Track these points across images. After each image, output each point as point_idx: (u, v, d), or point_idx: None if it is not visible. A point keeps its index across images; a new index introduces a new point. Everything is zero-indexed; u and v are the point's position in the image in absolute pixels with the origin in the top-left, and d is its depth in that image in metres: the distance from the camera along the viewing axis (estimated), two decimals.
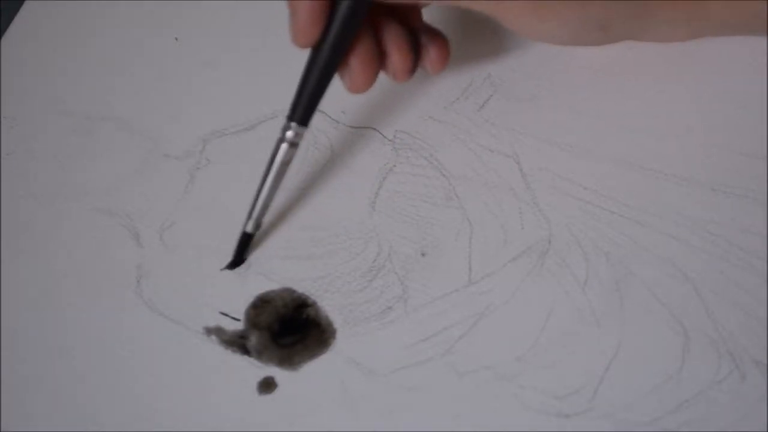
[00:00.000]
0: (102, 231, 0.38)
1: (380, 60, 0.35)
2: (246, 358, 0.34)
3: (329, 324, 0.35)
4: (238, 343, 0.34)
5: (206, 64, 0.43)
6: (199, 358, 0.34)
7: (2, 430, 0.33)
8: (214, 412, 0.33)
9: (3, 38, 0.46)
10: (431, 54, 0.35)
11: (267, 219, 0.37)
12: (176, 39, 0.45)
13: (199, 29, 0.45)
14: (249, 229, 0.35)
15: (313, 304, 0.35)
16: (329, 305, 0.35)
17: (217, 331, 0.35)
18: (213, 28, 0.45)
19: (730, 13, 0.35)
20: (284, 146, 0.34)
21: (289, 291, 0.36)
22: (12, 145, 0.42)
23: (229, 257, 0.37)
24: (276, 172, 0.35)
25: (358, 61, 0.34)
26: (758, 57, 0.38)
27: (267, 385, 0.33)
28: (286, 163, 0.35)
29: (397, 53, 0.34)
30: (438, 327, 0.34)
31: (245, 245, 0.36)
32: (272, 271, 0.36)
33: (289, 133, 0.35)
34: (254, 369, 0.34)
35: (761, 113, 0.37)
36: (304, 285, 0.36)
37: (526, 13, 0.32)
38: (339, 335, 0.34)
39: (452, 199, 0.37)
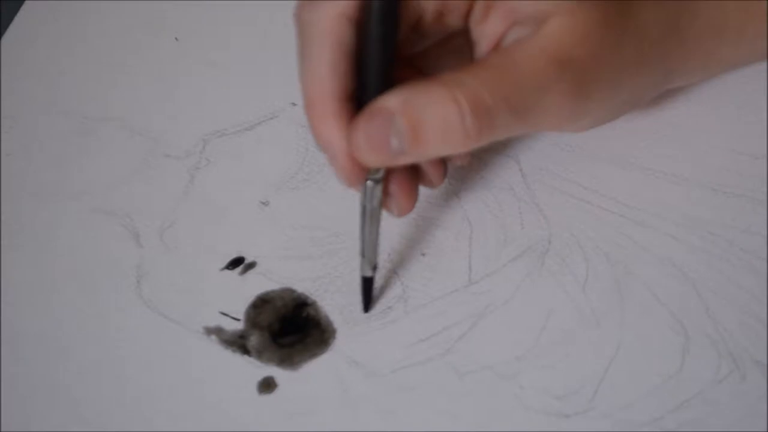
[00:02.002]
0: (102, 231, 0.38)
1: (417, 177, 0.34)
2: (246, 358, 0.34)
3: (329, 324, 0.35)
4: (238, 343, 0.34)
5: (206, 64, 0.43)
6: (199, 358, 0.34)
7: (2, 430, 0.33)
8: (214, 412, 0.33)
9: (3, 38, 0.46)
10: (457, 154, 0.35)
11: (267, 218, 0.37)
12: (176, 39, 0.45)
13: (199, 29, 0.45)
14: (367, 273, 0.34)
15: (313, 304, 0.35)
16: (329, 305, 0.35)
17: (217, 331, 0.35)
18: (213, 28, 0.45)
19: (740, 53, 0.35)
20: (369, 184, 0.32)
21: (289, 291, 0.36)
22: (12, 145, 0.42)
23: (228, 258, 0.37)
24: (369, 212, 0.33)
25: (397, 187, 0.33)
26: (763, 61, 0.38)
27: (267, 385, 0.33)
28: (378, 200, 0.33)
29: (430, 167, 0.34)
30: (438, 327, 0.34)
31: (369, 289, 0.35)
32: (272, 271, 0.36)
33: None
34: (254, 369, 0.34)
35: (761, 113, 0.37)
36: (304, 285, 0.36)
37: (560, 122, 0.32)
38: (339, 335, 0.34)
39: (452, 199, 0.37)
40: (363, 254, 0.33)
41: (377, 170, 0.31)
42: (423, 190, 0.37)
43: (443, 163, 0.34)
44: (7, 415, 0.33)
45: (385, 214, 0.33)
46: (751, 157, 0.36)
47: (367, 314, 0.35)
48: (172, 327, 0.35)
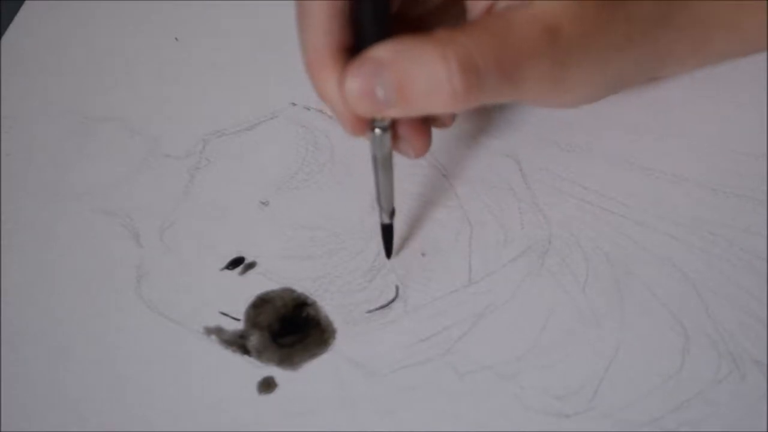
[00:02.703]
0: (102, 231, 0.38)
1: (428, 119, 0.34)
2: (246, 358, 0.34)
3: (329, 324, 0.35)
4: (238, 342, 0.34)
5: (206, 64, 0.43)
6: (199, 358, 0.34)
7: (2, 430, 0.33)
8: (214, 412, 0.33)
9: (3, 38, 0.46)
10: None
11: (267, 218, 0.37)
12: (176, 39, 0.45)
13: (199, 29, 0.45)
14: (385, 221, 0.35)
15: (313, 304, 0.35)
16: (329, 305, 0.35)
17: (217, 331, 0.35)
18: (213, 28, 0.45)
19: (734, 44, 0.35)
20: (377, 132, 0.32)
21: (289, 291, 0.36)
22: (12, 145, 0.42)
23: (228, 258, 0.37)
24: (379, 160, 0.33)
25: (407, 129, 0.33)
26: (758, 57, 0.38)
27: (267, 385, 0.33)
28: (387, 148, 0.33)
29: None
30: (438, 327, 0.34)
31: (390, 235, 0.35)
32: (272, 271, 0.36)
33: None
34: (254, 369, 0.34)
35: (761, 113, 0.37)
36: (304, 285, 0.36)
37: (544, 92, 0.32)
38: (339, 335, 0.34)
39: (452, 199, 0.37)
40: (379, 203, 0.34)
41: (382, 119, 0.31)
42: (422, 190, 0.37)
43: None
44: (7, 415, 0.33)
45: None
46: (751, 157, 0.36)
47: (366, 314, 0.35)
48: (172, 327, 0.35)
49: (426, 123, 0.34)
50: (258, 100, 0.42)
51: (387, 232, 0.35)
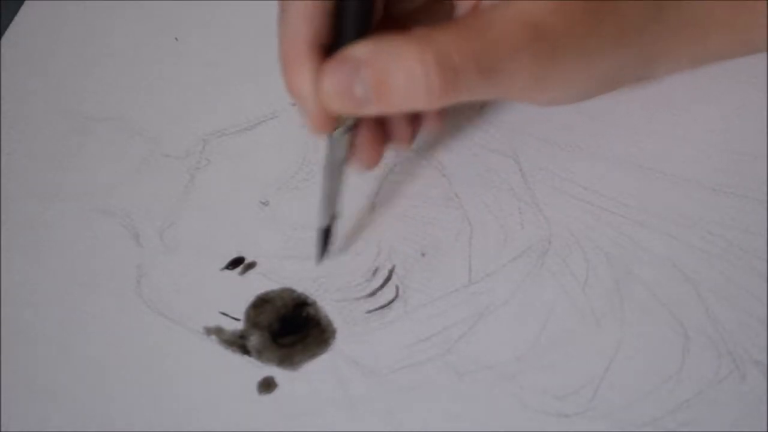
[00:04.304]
0: (102, 231, 0.38)
1: (385, 134, 0.34)
2: (246, 358, 0.34)
3: (329, 324, 0.35)
4: (238, 343, 0.34)
5: (206, 64, 0.43)
6: (199, 358, 0.34)
7: (2, 430, 0.33)
8: (214, 412, 0.33)
9: (3, 38, 0.46)
10: (428, 117, 0.35)
11: (267, 218, 0.37)
12: (176, 39, 0.45)
13: (199, 29, 0.45)
14: (323, 224, 0.35)
15: (313, 304, 0.35)
16: (329, 305, 0.35)
17: (217, 331, 0.35)
18: (213, 28, 0.45)
19: (729, 45, 0.35)
20: (337, 133, 0.32)
21: (289, 291, 0.36)
22: (12, 145, 0.42)
23: (228, 258, 0.37)
24: (333, 161, 0.33)
25: (364, 140, 0.33)
26: (758, 57, 0.38)
27: (267, 385, 0.33)
28: (344, 151, 0.33)
29: (397, 126, 0.34)
30: (438, 327, 0.34)
31: (326, 240, 0.35)
32: (272, 271, 0.36)
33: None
34: (254, 369, 0.34)
35: (761, 113, 0.37)
36: (304, 285, 0.36)
37: (526, 89, 0.32)
38: (339, 335, 0.34)
39: (452, 199, 0.37)
40: (322, 204, 0.34)
41: (346, 120, 0.32)
42: (422, 190, 0.37)
43: (412, 123, 0.34)
44: (7, 415, 0.33)
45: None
46: (751, 157, 0.36)
47: (366, 315, 0.35)
48: (172, 327, 0.35)
49: (381, 137, 0.34)
50: (258, 100, 0.41)
51: (324, 236, 0.35)
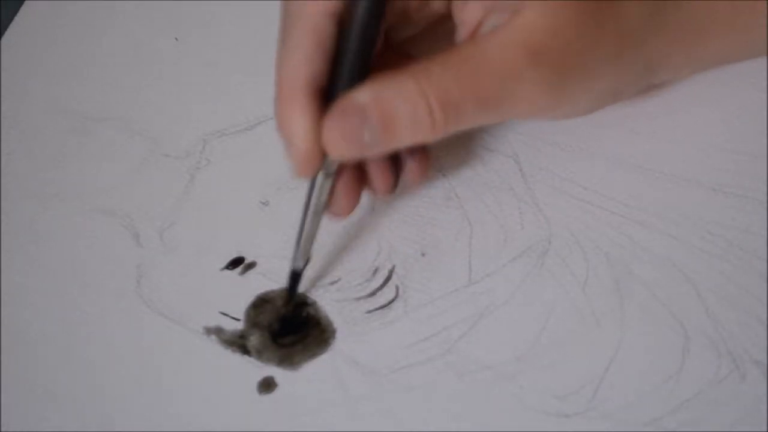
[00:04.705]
0: (102, 231, 0.38)
1: (362, 182, 0.34)
2: (246, 358, 0.34)
3: (329, 324, 0.35)
4: (238, 343, 0.34)
5: (206, 64, 0.43)
6: (199, 358, 0.34)
7: (2, 430, 0.33)
8: (214, 412, 0.33)
9: (3, 38, 0.46)
10: (411, 167, 0.35)
11: (267, 218, 0.37)
12: (176, 39, 0.45)
13: (199, 29, 0.45)
14: (298, 267, 0.34)
15: (313, 304, 0.35)
16: (329, 305, 0.35)
17: (217, 331, 0.35)
18: (213, 28, 0.45)
19: (730, 48, 0.35)
20: (320, 177, 0.33)
21: None
22: (12, 145, 0.42)
23: (228, 258, 0.37)
24: (315, 206, 0.33)
25: (342, 186, 0.33)
26: (758, 58, 0.38)
27: (267, 385, 0.33)
28: (326, 194, 0.33)
29: (379, 175, 0.34)
30: (438, 327, 0.34)
31: (296, 282, 0.35)
32: (272, 271, 0.36)
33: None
34: (254, 369, 0.34)
35: (761, 114, 0.37)
36: (304, 285, 0.36)
37: (531, 112, 0.32)
38: (339, 335, 0.34)
39: (452, 199, 0.37)
40: (298, 246, 0.34)
41: (329, 165, 0.32)
42: (422, 190, 0.37)
43: (392, 173, 0.34)
44: (7, 415, 0.33)
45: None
46: (751, 157, 0.36)
47: (366, 314, 0.35)
48: (172, 327, 0.35)
49: (359, 185, 0.34)
50: (258, 100, 0.41)
51: (294, 279, 0.35)
